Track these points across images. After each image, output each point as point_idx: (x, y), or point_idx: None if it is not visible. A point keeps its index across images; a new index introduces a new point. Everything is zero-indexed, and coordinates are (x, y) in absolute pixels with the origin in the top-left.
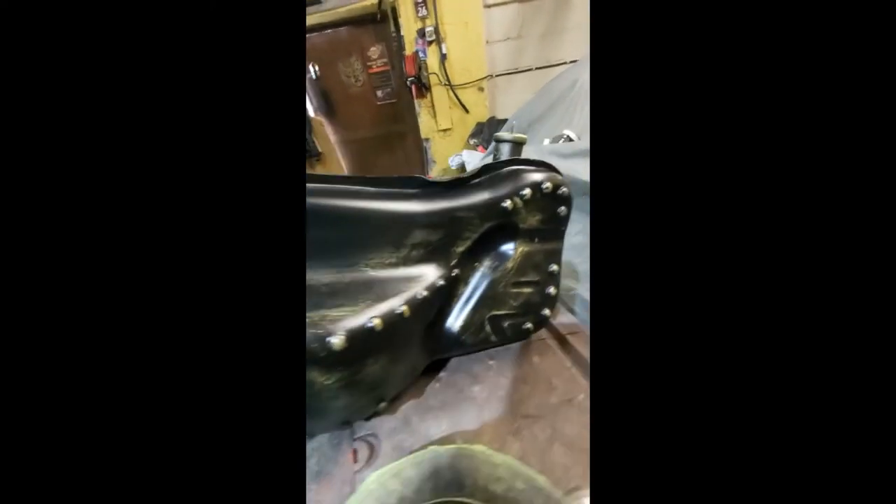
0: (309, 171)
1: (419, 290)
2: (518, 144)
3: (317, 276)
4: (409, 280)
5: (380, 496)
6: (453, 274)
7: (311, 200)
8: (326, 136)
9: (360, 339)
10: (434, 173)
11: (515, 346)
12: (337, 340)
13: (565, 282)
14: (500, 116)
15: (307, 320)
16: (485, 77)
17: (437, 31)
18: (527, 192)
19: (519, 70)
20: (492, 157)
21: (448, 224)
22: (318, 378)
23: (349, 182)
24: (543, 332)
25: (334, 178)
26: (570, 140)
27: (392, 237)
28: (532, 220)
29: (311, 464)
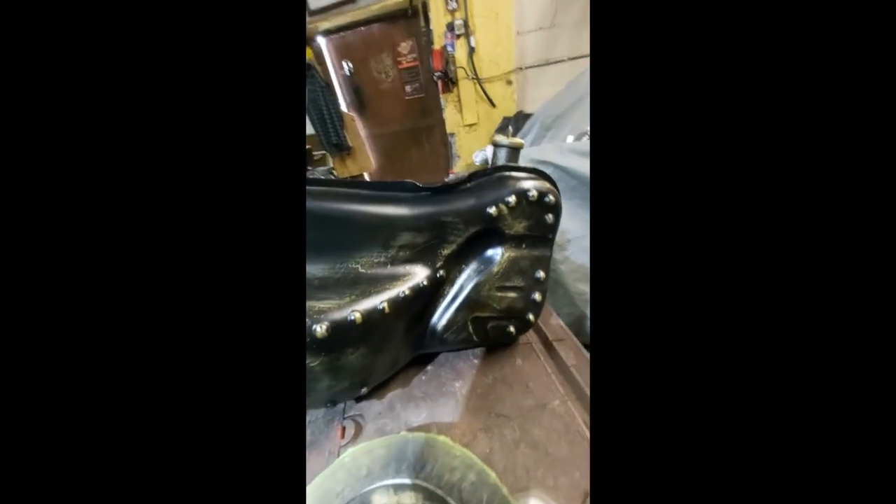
0: (339, 165)
1: (403, 289)
2: (514, 150)
3: (310, 271)
4: (395, 279)
5: (350, 469)
6: (439, 275)
7: (307, 203)
8: (357, 131)
9: (341, 330)
10: (458, 168)
11: (502, 347)
12: (320, 329)
13: (580, 286)
14: (529, 111)
15: None
16: (513, 70)
17: (466, 24)
18: (512, 199)
19: (550, 62)
20: (492, 158)
21: (434, 228)
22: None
23: (343, 185)
24: (532, 337)
25: (329, 181)
26: None
27: (380, 238)
28: (518, 227)
29: (307, 434)
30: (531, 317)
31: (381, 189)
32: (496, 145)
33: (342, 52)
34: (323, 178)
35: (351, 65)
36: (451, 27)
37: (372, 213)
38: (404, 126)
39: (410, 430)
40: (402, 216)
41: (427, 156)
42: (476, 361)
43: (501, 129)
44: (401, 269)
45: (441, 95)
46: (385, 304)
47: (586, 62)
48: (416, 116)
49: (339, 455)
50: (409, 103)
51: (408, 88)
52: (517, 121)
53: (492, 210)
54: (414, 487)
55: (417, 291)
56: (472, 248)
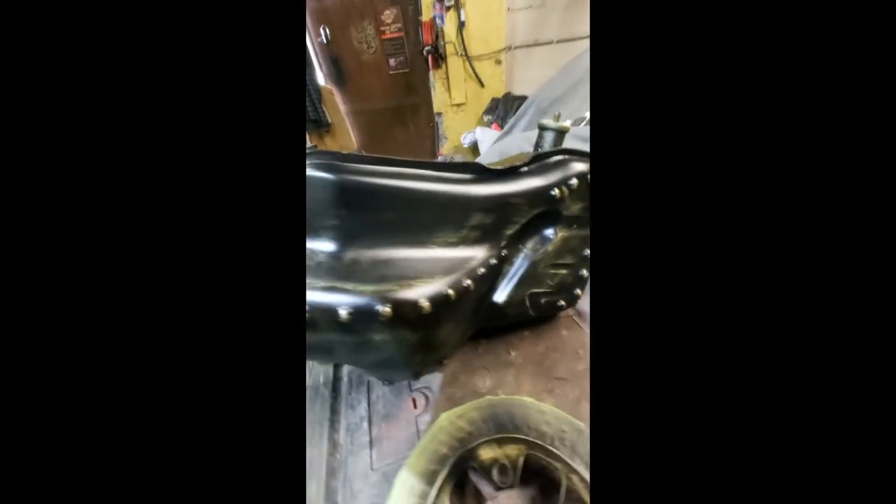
0: (318, 142)
1: (480, 268)
2: (561, 133)
3: (395, 252)
4: (470, 258)
5: (451, 431)
6: (502, 254)
7: (384, 182)
8: (336, 106)
9: (440, 306)
10: (445, 150)
11: (545, 320)
12: (425, 304)
13: None
14: (517, 93)
15: (397, 286)
16: (503, 49)
17: None
18: (574, 181)
19: (539, 43)
20: (533, 143)
21: (501, 208)
22: (407, 335)
23: (413, 166)
24: (570, 309)
25: (396, 160)
26: None
27: (454, 219)
28: (574, 208)
29: (378, 408)
30: (578, 291)
31: (448, 169)
32: (543, 128)
33: (319, 17)
34: (390, 157)
35: (329, 31)
36: None
37: (450, 194)
38: (388, 103)
39: (483, 395)
40: (475, 197)
41: (412, 136)
42: (526, 333)
43: (490, 111)
44: (473, 249)
45: (431, 72)
46: (470, 282)
47: (575, 45)
48: (400, 93)
49: (416, 423)
50: (392, 78)
51: (392, 62)
52: (506, 102)
53: (555, 192)
54: (516, 440)
55: (489, 269)
56: (530, 229)
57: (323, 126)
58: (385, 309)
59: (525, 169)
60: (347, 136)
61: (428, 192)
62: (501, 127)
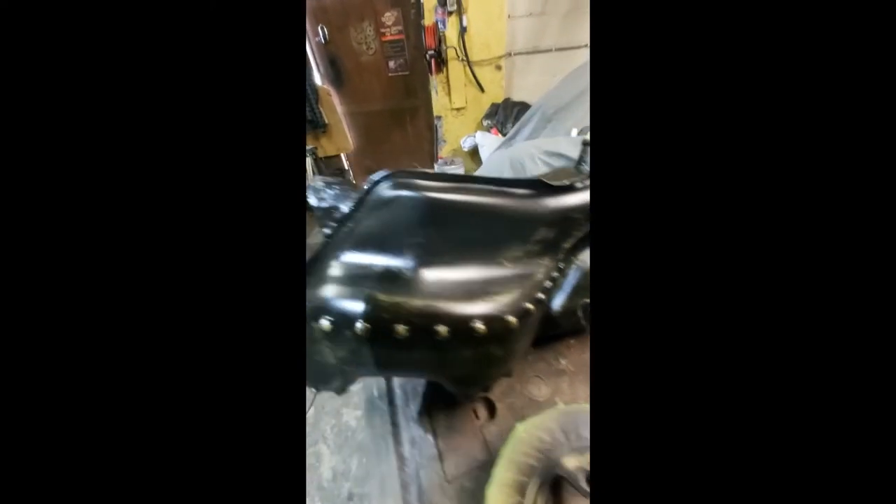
0: (314, 143)
1: (545, 280)
2: None
3: (474, 269)
4: (536, 272)
5: (531, 441)
6: (560, 267)
7: (462, 198)
8: (333, 107)
9: (523, 320)
10: (444, 154)
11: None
12: (513, 320)
13: None
14: (516, 98)
15: (483, 302)
16: (504, 55)
17: (458, 0)
18: None
19: (538, 50)
20: (576, 155)
21: (562, 223)
22: (495, 350)
23: (481, 182)
24: None
25: (470, 177)
26: None
27: (521, 233)
28: None
29: (441, 419)
30: None
31: (509, 185)
32: (587, 144)
33: (317, 16)
34: (457, 174)
35: (326, 31)
36: (442, 2)
37: (519, 209)
38: (387, 105)
39: (541, 404)
40: (541, 212)
41: (410, 139)
42: (572, 342)
43: (489, 116)
44: (536, 263)
45: (433, 76)
46: (542, 296)
47: (574, 53)
48: (399, 96)
49: (480, 434)
50: (391, 81)
51: (391, 64)
52: (505, 108)
53: None
54: None
55: (553, 282)
56: (584, 241)
57: (319, 127)
58: (479, 326)
59: (580, 185)
60: (344, 137)
61: (501, 208)
62: (500, 132)
